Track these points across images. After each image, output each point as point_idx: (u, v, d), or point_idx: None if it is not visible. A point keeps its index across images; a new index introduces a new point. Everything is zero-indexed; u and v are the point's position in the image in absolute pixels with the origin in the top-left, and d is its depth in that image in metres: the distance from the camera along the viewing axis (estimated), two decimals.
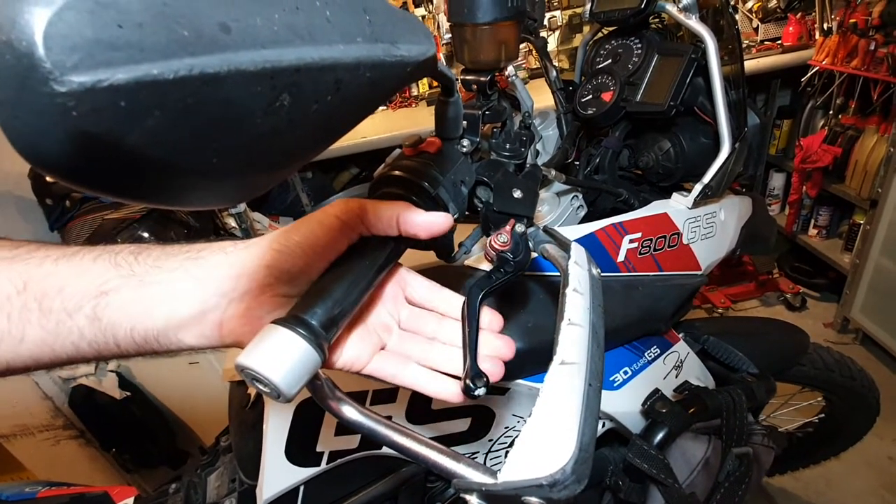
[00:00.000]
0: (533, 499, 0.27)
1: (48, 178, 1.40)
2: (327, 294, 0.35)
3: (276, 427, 0.66)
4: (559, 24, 2.25)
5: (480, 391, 0.36)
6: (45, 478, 0.92)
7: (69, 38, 0.14)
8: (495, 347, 0.40)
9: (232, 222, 1.71)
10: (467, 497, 0.31)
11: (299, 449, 0.67)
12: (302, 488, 0.69)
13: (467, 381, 0.37)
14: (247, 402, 0.77)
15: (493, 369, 0.38)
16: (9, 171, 1.46)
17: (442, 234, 0.40)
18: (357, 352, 0.38)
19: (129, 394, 1.55)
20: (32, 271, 0.32)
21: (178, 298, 0.34)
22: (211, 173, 0.19)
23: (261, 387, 0.32)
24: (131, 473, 1.66)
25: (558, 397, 0.28)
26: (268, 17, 0.18)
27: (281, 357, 0.31)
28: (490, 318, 0.42)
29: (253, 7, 0.18)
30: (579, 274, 0.35)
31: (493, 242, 0.43)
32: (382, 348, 0.40)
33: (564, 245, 0.43)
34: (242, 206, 1.69)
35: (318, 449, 0.67)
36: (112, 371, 1.55)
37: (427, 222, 0.38)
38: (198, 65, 0.16)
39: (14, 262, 0.33)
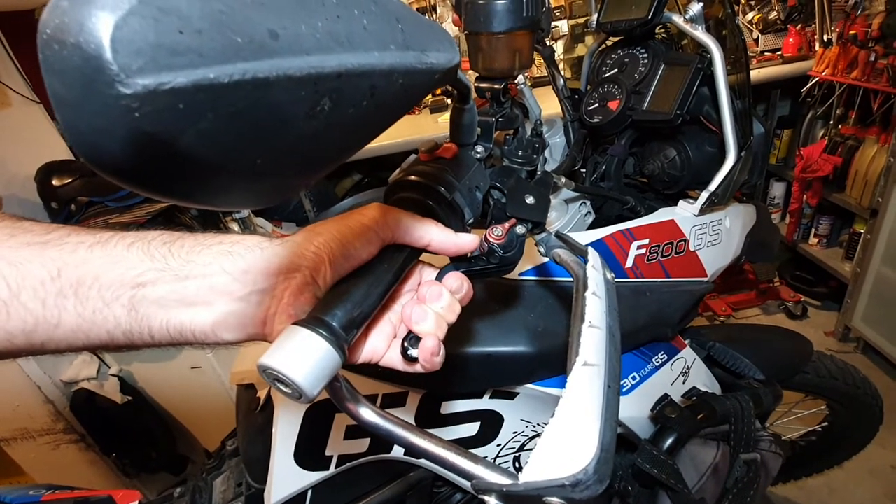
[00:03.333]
0: (554, 499, 0.28)
1: (54, 182, 1.41)
2: (347, 297, 0.35)
3: (286, 431, 0.66)
4: (562, 34, 2.27)
5: (412, 352, 0.38)
6: (45, 482, 0.91)
7: (134, 42, 0.14)
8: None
9: (235, 227, 1.72)
10: (486, 498, 0.31)
11: (308, 453, 0.67)
12: (310, 492, 0.69)
13: (404, 343, 0.38)
14: (256, 405, 0.77)
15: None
16: (15, 175, 1.46)
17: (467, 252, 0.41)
18: (374, 345, 0.39)
19: (130, 398, 1.55)
20: (66, 258, 0.32)
21: (215, 295, 0.34)
22: (253, 174, 0.20)
23: (282, 388, 0.32)
24: (131, 478, 1.65)
25: (581, 398, 0.28)
26: (312, 25, 0.19)
27: (303, 358, 0.31)
28: (456, 283, 0.41)
29: (298, 15, 0.18)
30: (596, 278, 0.35)
31: (488, 235, 0.44)
32: (395, 337, 0.41)
33: (578, 250, 0.44)
34: (246, 211, 1.69)
35: (328, 453, 0.67)
36: (114, 375, 1.54)
37: (457, 245, 0.40)
38: (250, 70, 0.17)
39: (47, 247, 0.32)
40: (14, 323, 0.31)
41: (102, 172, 0.17)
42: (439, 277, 0.42)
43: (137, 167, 0.17)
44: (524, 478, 0.28)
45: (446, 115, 2.25)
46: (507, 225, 0.45)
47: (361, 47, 0.21)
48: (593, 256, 0.38)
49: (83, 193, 1.39)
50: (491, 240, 0.44)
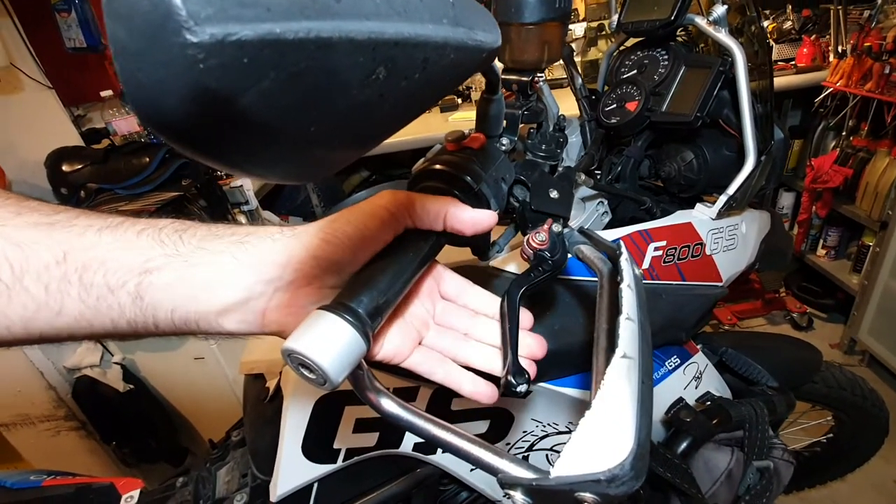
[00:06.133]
0: (587, 494, 0.27)
1: (64, 168, 1.41)
2: (372, 283, 0.35)
3: (295, 422, 0.66)
4: (576, 36, 2.27)
5: (522, 388, 0.36)
6: (44, 468, 0.91)
7: None
8: (527, 346, 0.40)
9: (243, 219, 1.71)
10: (512, 493, 0.30)
11: (316, 445, 0.66)
12: (316, 485, 0.69)
13: (508, 378, 0.36)
14: (264, 395, 0.76)
15: (527, 368, 0.38)
16: (25, 160, 1.46)
17: (485, 231, 0.40)
18: (398, 344, 0.38)
19: (132, 387, 1.54)
20: (74, 241, 0.31)
21: (224, 283, 0.33)
22: (305, 143, 0.19)
23: (307, 373, 0.32)
24: (130, 468, 1.65)
25: (619, 391, 0.27)
26: None
27: (329, 343, 0.31)
28: (524, 317, 0.41)
29: None
30: (629, 271, 0.35)
31: (531, 241, 0.43)
32: (420, 343, 0.40)
33: (605, 246, 0.43)
34: (255, 204, 1.69)
35: (336, 446, 0.67)
36: (117, 363, 1.54)
37: (473, 219, 0.38)
38: (314, 29, 0.16)
39: (54, 228, 0.31)
40: (14, 308, 0.30)
41: (156, 129, 0.16)
42: (511, 307, 0.40)
43: (193, 126, 0.16)
44: (555, 472, 0.28)
45: (457, 115, 2.26)
46: (545, 227, 0.43)
47: (417, 18, 0.20)
48: (625, 250, 0.37)
49: (93, 180, 1.39)
50: (535, 246, 0.42)
